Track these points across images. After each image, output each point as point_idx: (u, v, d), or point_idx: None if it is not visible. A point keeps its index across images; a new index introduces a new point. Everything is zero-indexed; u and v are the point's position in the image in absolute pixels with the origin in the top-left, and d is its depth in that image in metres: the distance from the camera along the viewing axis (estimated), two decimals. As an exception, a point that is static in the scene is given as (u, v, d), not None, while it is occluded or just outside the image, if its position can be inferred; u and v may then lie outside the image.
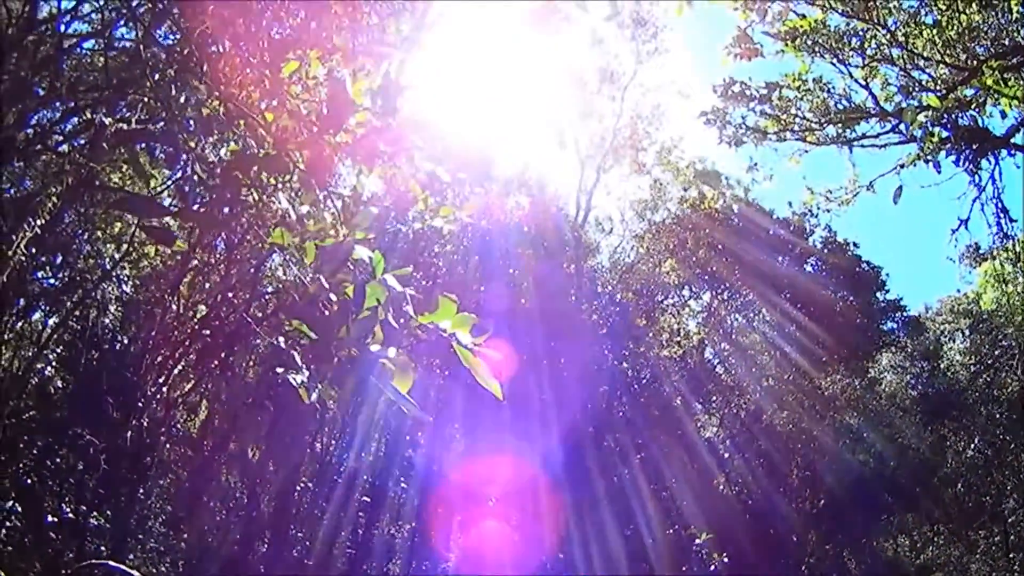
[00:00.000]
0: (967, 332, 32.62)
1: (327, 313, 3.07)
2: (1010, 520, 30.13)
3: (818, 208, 15.80)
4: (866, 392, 31.55)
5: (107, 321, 17.77)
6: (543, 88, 28.14)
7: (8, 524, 14.94)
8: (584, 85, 28.56)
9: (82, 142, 13.74)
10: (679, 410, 27.50)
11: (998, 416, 30.39)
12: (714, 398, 29.78)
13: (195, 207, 4.21)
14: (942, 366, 32.33)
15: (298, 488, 19.71)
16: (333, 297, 3.64)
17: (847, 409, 30.80)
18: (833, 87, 14.75)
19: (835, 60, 14.50)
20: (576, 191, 28.65)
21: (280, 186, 4.25)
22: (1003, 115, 13.71)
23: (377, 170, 4.51)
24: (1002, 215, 14.55)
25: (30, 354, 16.55)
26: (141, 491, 17.22)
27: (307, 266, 4.26)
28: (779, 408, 29.03)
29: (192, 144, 6.15)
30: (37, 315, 18.00)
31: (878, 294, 29.86)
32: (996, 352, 30.78)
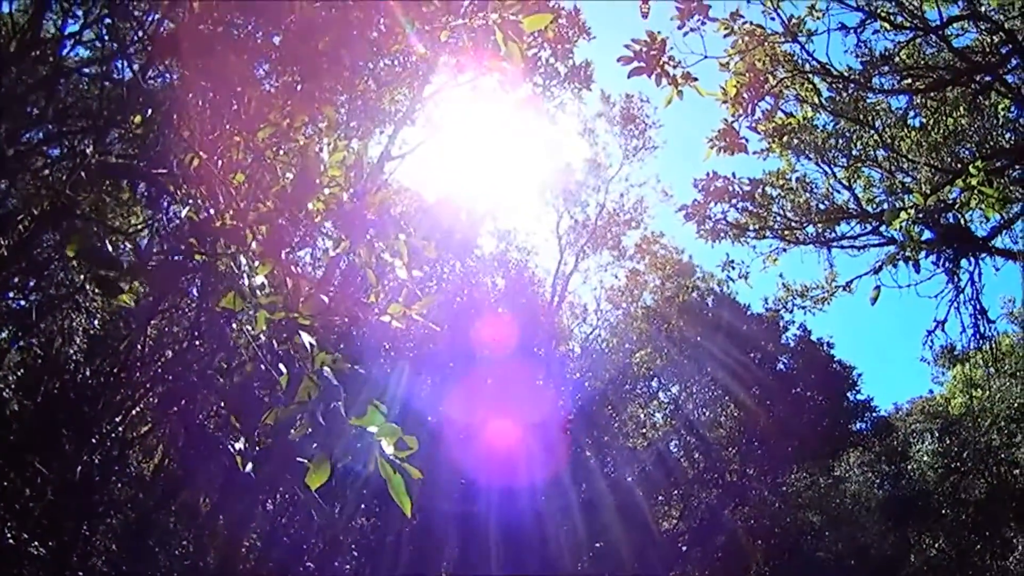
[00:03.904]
0: (936, 434, 32.71)
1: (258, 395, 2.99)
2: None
3: (794, 306, 15.90)
4: (831, 491, 31.39)
5: (71, 352, 17.48)
6: (530, 171, 28.72)
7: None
8: (571, 172, 29.06)
9: (66, 169, 13.66)
10: (640, 500, 27.19)
11: (964, 518, 30.31)
12: (675, 491, 29.55)
13: (151, 265, 4.14)
14: (909, 468, 32.30)
15: (246, 545, 19.27)
16: (283, 368, 3.55)
17: (810, 507, 30.66)
18: (816, 187, 15.00)
19: (820, 160, 14.75)
20: (553, 276, 28.95)
21: (240, 251, 4.19)
22: (985, 218, 13.93)
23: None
24: (979, 316, 14.60)
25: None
26: (86, 527, 16.80)
27: (255, 336, 4.18)
28: (740, 503, 28.82)
29: (171, 187, 6.08)
30: (3, 334, 17.72)
31: (849, 394, 29.88)
32: (964, 455, 30.83)
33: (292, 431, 2.76)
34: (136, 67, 10.84)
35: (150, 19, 11.77)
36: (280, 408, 2.76)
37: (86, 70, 15.03)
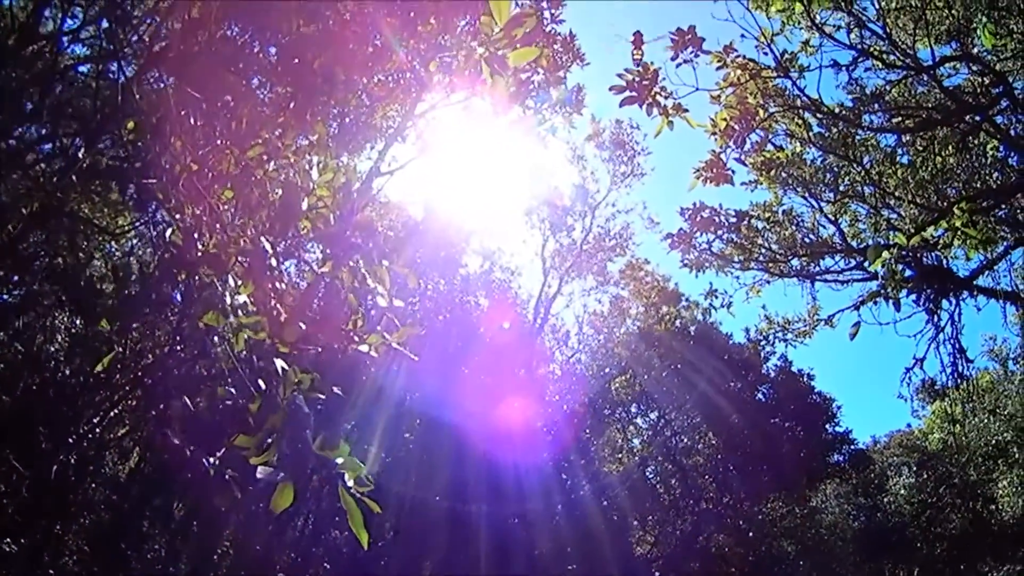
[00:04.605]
0: (914, 467, 32.86)
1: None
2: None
3: (775, 338, 15.93)
4: (806, 521, 31.43)
5: (52, 349, 17.41)
6: (518, 192, 28.78)
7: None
8: (558, 195, 29.09)
9: (58, 168, 13.63)
10: (615, 524, 27.15)
11: (939, 552, 30.40)
12: (651, 516, 29.52)
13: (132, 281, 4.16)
14: (886, 500, 32.42)
15: (218, 552, 19.17)
16: (262, 384, 3.57)
17: (785, 536, 30.69)
18: (803, 220, 15.05)
19: (807, 194, 14.81)
20: (536, 298, 28.99)
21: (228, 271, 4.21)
22: (967, 257, 13.97)
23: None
24: (959, 355, 14.59)
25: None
26: (59, 526, 16.68)
27: (234, 354, 4.20)
28: (716, 531, 28.83)
29: (160, 195, 6.09)
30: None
31: (827, 425, 29.96)
32: (941, 489, 30.95)
33: (254, 459, 2.76)
34: (130, 71, 10.87)
35: (148, 21, 11.80)
36: (245, 437, 2.77)
37: (81, 69, 15.02)
